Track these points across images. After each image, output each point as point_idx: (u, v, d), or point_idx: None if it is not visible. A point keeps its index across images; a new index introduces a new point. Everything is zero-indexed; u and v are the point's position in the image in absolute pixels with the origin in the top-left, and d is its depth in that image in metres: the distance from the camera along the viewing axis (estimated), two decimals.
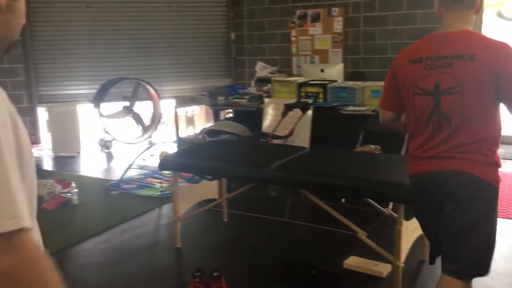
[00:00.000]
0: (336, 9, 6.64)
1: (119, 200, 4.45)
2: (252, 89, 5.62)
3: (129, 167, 5.00)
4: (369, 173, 2.75)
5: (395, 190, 2.47)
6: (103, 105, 6.34)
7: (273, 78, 5.29)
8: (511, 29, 6.76)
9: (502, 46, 1.83)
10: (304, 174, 2.88)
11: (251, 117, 4.86)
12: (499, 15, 7.00)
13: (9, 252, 0.80)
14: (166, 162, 3.38)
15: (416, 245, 2.86)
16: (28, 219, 0.82)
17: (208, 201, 3.70)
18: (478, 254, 1.88)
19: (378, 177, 2.65)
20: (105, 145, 6.42)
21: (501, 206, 3.81)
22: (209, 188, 3.81)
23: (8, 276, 0.80)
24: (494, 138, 1.87)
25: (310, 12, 6.82)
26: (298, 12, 6.91)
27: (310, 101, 4.28)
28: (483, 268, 1.90)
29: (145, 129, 6.49)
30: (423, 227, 2.10)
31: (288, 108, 4.22)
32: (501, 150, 1.93)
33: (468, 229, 1.85)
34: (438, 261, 1.99)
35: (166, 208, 4.17)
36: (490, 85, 1.81)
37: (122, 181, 4.86)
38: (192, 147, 3.86)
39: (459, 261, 1.89)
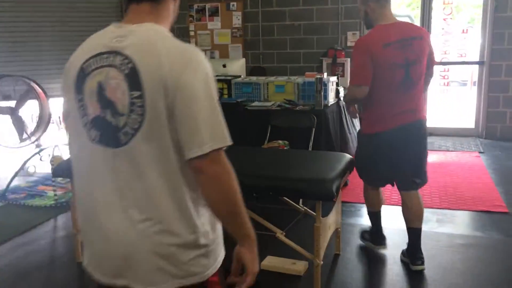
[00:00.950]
0: (235, 3, 6.55)
1: (6, 212, 3.98)
2: None
3: (15, 175, 4.49)
4: (285, 171, 2.68)
5: (315, 188, 2.41)
6: None
7: None
8: None
9: (424, 29, 2.88)
10: None
11: None
12: None
13: (218, 163, 1.16)
14: (62, 168, 3.04)
15: (331, 240, 2.86)
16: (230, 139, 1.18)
17: None
18: (425, 170, 2.84)
19: (296, 175, 2.58)
20: None
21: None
22: None
23: (215, 180, 1.17)
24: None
25: (208, 6, 6.66)
26: (196, 6, 6.72)
27: None
28: (426, 178, 2.87)
29: (31, 133, 5.85)
30: (378, 171, 2.80)
31: None
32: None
33: (424, 156, 2.81)
34: None
35: (62, 219, 3.79)
36: (429, 54, 2.75)
37: (8, 190, 4.36)
38: None
39: (420, 177, 2.82)
